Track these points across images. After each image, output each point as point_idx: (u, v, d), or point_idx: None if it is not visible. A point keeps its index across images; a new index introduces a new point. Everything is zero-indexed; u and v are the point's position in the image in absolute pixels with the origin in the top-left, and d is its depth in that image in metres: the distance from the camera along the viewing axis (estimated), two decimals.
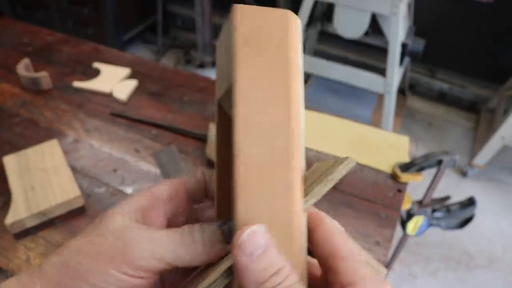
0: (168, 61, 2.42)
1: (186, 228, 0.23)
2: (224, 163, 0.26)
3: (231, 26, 0.21)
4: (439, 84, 2.17)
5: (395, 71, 1.61)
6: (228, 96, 0.22)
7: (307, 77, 2.21)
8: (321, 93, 2.11)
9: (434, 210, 0.85)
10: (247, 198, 0.20)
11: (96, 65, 0.93)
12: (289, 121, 0.20)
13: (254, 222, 0.20)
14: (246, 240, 0.20)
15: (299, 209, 0.21)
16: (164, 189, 0.26)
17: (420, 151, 1.83)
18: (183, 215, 0.27)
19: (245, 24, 0.20)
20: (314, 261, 0.24)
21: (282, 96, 0.20)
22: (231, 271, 0.22)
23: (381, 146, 0.77)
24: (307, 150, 0.76)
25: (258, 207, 0.20)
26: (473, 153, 1.84)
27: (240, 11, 0.20)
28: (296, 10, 1.76)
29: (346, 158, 0.22)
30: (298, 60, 0.21)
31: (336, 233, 0.22)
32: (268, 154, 0.20)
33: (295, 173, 0.20)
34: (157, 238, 0.22)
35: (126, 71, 0.91)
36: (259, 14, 0.20)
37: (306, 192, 0.21)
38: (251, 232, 0.20)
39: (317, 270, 0.24)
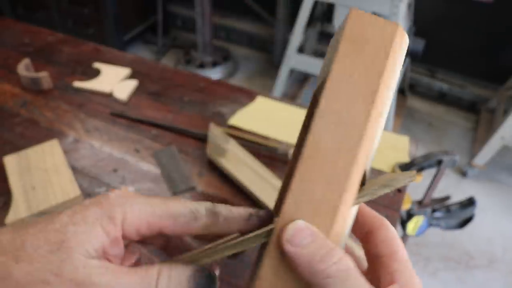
0: (168, 61, 2.42)
1: (151, 272, 0.21)
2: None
3: (342, 25, 0.23)
4: (439, 84, 2.17)
5: None
6: (322, 87, 0.23)
7: (307, 77, 2.21)
8: None
9: (434, 210, 0.85)
10: (305, 174, 0.21)
11: (97, 65, 0.93)
12: (367, 120, 0.21)
13: (304, 198, 0.21)
14: (292, 235, 0.21)
15: (349, 199, 0.22)
16: (141, 225, 0.22)
17: (420, 151, 1.83)
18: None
19: (356, 26, 0.22)
20: (362, 255, 0.26)
21: (368, 97, 0.21)
22: (269, 233, 0.23)
23: (381, 146, 0.78)
24: None
25: (313, 185, 0.21)
26: (473, 153, 1.84)
27: (355, 14, 0.22)
28: (296, 10, 1.76)
29: (411, 171, 0.23)
30: (393, 71, 0.22)
31: (396, 238, 0.24)
32: (338, 143, 0.21)
33: (357, 167, 0.21)
34: (121, 284, 0.20)
35: (126, 71, 0.91)
36: (371, 20, 0.22)
37: (364, 191, 0.23)
38: (295, 228, 0.21)
39: (363, 264, 0.26)
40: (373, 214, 0.25)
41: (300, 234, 0.21)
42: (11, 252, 0.19)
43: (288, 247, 0.21)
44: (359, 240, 0.26)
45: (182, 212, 0.23)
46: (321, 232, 0.21)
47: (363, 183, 0.23)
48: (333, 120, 0.21)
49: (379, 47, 0.22)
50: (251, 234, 0.23)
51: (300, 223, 0.21)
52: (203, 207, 0.24)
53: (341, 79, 0.21)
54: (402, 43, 0.22)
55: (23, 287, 0.19)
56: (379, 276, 0.23)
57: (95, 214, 0.21)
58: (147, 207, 0.22)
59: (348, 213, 0.22)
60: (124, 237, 0.22)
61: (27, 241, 0.20)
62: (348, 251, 0.26)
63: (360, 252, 0.27)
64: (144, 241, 0.26)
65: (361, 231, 0.25)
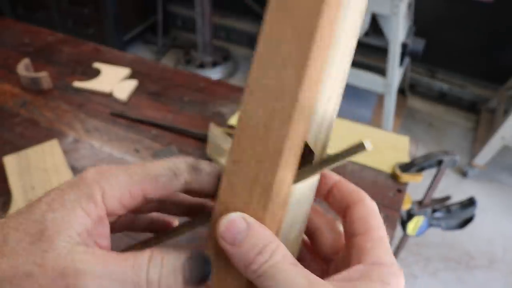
0: (168, 61, 2.42)
1: (141, 259, 0.20)
2: None
3: None
4: (439, 84, 2.17)
5: (395, 71, 1.61)
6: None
7: None
8: None
9: (434, 210, 0.85)
10: (237, 155, 0.21)
11: (96, 65, 0.93)
12: (298, 89, 0.19)
13: (238, 180, 0.21)
14: (226, 230, 0.20)
15: (285, 177, 0.21)
16: (117, 203, 0.21)
17: (420, 151, 1.83)
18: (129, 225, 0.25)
19: None
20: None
21: (299, 62, 0.19)
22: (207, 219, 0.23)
23: (381, 146, 0.77)
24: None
25: (245, 166, 0.20)
26: (473, 153, 1.84)
27: None
28: None
29: (365, 141, 0.21)
30: (328, 32, 0.19)
31: (373, 216, 0.23)
32: (268, 118, 0.20)
33: (290, 141, 0.20)
34: (109, 271, 0.19)
35: (126, 71, 0.91)
36: None
37: (310, 166, 0.22)
38: (229, 222, 0.20)
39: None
40: (351, 188, 0.24)
41: (234, 228, 0.20)
42: None
43: (223, 245, 0.20)
44: (339, 217, 0.25)
45: (161, 172, 0.22)
46: (257, 216, 0.20)
47: (309, 159, 0.22)
48: (263, 94, 0.20)
49: (309, 7, 0.18)
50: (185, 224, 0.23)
51: (233, 216, 0.20)
52: (183, 163, 0.23)
53: (269, 49, 0.19)
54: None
55: (9, 281, 0.18)
56: (350, 256, 0.22)
57: (73, 196, 0.20)
58: (125, 176, 0.21)
59: (287, 191, 0.21)
60: (109, 213, 0.21)
61: (8, 235, 0.19)
62: (331, 226, 0.25)
63: (341, 227, 0.26)
64: (134, 212, 0.25)
65: (340, 207, 0.24)
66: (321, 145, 0.23)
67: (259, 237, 0.20)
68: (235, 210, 0.21)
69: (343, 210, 0.24)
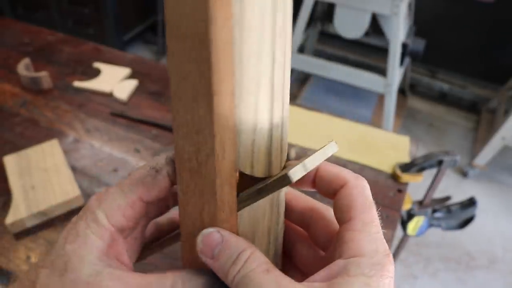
0: None
1: (164, 284, 0.21)
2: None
3: None
4: (440, 84, 2.17)
5: (396, 71, 1.61)
6: None
7: (307, 77, 2.21)
8: (321, 93, 2.11)
9: (434, 211, 0.85)
10: (184, 188, 0.21)
11: (97, 65, 0.93)
12: (211, 119, 0.18)
13: (191, 210, 0.22)
14: (202, 245, 0.21)
15: (225, 207, 0.21)
16: (120, 218, 0.23)
17: (421, 152, 1.83)
18: (142, 239, 0.26)
19: (172, 14, 0.18)
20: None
21: (205, 95, 0.18)
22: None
23: (382, 146, 0.77)
24: (308, 150, 0.76)
25: (193, 198, 0.21)
26: (473, 154, 1.84)
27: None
28: (296, 10, 1.76)
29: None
30: (227, 55, 0.18)
31: (358, 199, 0.21)
32: (196, 153, 0.20)
33: (220, 173, 0.20)
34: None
35: (126, 71, 0.91)
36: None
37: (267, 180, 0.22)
38: (204, 236, 0.21)
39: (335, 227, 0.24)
40: (334, 172, 0.23)
41: (210, 242, 0.21)
42: (28, 286, 0.21)
43: (204, 259, 0.21)
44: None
45: (144, 173, 0.23)
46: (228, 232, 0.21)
47: (248, 184, 0.22)
48: (186, 130, 0.20)
49: (197, 30, 0.17)
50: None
51: (208, 230, 0.21)
52: (162, 158, 0.24)
53: (179, 84, 0.19)
54: (226, 5, 0.17)
55: None
56: (334, 249, 0.21)
57: (83, 226, 0.22)
58: (118, 192, 0.23)
59: (232, 218, 0.22)
60: (120, 229, 0.23)
61: (40, 273, 0.21)
62: (318, 215, 0.25)
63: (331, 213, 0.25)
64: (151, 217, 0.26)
65: (328, 193, 0.23)
66: (262, 164, 0.22)
67: (233, 247, 0.21)
68: (194, 235, 0.22)
69: (332, 195, 0.23)
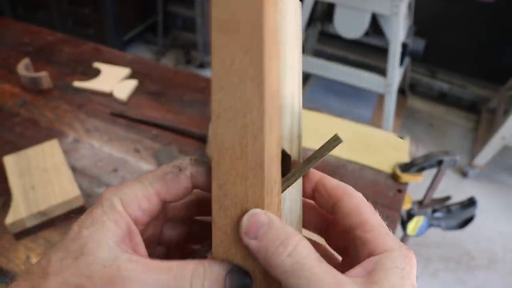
0: (168, 61, 2.42)
1: (184, 269, 0.20)
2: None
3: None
4: (439, 84, 2.17)
5: (396, 71, 1.61)
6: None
7: (307, 76, 2.21)
8: (321, 93, 2.11)
9: (434, 211, 0.85)
10: (220, 178, 0.21)
11: (97, 65, 0.93)
12: (262, 104, 0.20)
13: (230, 203, 0.21)
14: (248, 225, 0.20)
15: (272, 188, 0.21)
16: (137, 209, 0.22)
17: (421, 151, 1.83)
18: (158, 235, 0.25)
19: (220, 11, 0.20)
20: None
21: (256, 80, 0.20)
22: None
23: (381, 146, 0.77)
24: (307, 150, 0.75)
25: (234, 188, 0.21)
26: (473, 154, 1.84)
27: None
28: None
29: (337, 135, 0.22)
30: (274, 40, 0.20)
31: (364, 205, 0.23)
32: (241, 136, 0.20)
33: (267, 152, 0.20)
34: (153, 279, 0.19)
35: (126, 71, 0.91)
36: None
37: (292, 172, 0.23)
38: (250, 216, 0.21)
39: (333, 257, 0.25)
40: (335, 184, 0.24)
41: (256, 222, 0.20)
42: (37, 273, 0.20)
43: (246, 241, 0.20)
44: (329, 214, 0.25)
45: (167, 170, 0.23)
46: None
47: (287, 164, 0.23)
48: (230, 114, 0.20)
49: (250, 23, 0.19)
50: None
51: (255, 211, 0.21)
52: (187, 159, 0.24)
53: (223, 71, 0.20)
54: (272, 5, 0.20)
55: None
56: (357, 249, 0.22)
57: (99, 212, 0.21)
58: (137, 184, 0.22)
59: (277, 201, 0.22)
60: (135, 221, 0.22)
61: (51, 259, 0.20)
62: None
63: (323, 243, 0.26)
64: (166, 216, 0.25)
65: (327, 203, 0.24)
66: (296, 147, 0.24)
67: (280, 229, 0.20)
68: (232, 233, 0.21)
69: (331, 206, 0.24)
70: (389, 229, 0.22)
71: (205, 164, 0.24)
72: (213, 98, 0.21)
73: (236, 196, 0.21)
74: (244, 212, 0.21)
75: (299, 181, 0.24)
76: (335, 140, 0.22)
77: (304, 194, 0.25)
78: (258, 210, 0.21)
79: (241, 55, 0.20)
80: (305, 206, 0.26)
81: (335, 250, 0.26)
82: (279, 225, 0.20)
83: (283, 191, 0.23)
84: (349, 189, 0.24)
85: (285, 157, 0.23)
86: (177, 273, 0.20)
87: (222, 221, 0.22)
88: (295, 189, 0.24)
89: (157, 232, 0.25)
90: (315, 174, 0.25)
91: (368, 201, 0.24)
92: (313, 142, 0.78)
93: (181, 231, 0.27)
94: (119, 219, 0.21)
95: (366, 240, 0.21)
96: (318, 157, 0.22)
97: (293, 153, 0.23)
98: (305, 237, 0.26)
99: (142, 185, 0.22)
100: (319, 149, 0.22)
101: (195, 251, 0.27)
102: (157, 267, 0.20)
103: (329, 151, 0.22)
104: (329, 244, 0.26)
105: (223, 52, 0.20)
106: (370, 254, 0.21)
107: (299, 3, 0.24)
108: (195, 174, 0.23)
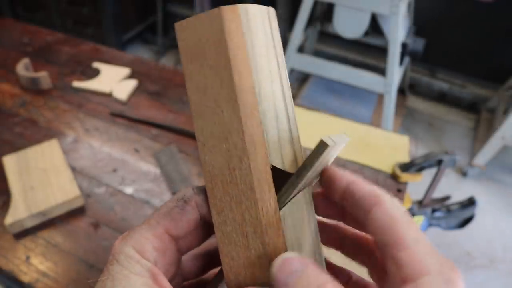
0: (168, 61, 2.42)
1: None
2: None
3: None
4: (439, 84, 2.17)
5: (395, 71, 1.61)
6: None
7: (307, 76, 2.21)
8: (321, 93, 2.11)
9: (434, 210, 0.85)
10: (219, 207, 0.21)
11: (96, 65, 0.93)
12: (239, 121, 0.20)
13: (230, 229, 0.21)
14: (279, 270, 0.19)
15: (268, 207, 0.21)
16: (152, 250, 0.21)
17: (420, 151, 1.83)
18: (176, 275, 0.24)
19: (186, 41, 0.20)
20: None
21: (228, 99, 0.20)
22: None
23: (381, 146, 0.77)
24: (307, 150, 0.75)
25: (231, 213, 0.21)
26: (473, 153, 1.84)
27: (179, 29, 0.21)
28: (296, 10, 1.76)
29: (322, 140, 0.20)
30: (241, 57, 0.20)
31: (398, 216, 0.19)
32: (228, 160, 0.20)
33: (255, 172, 0.20)
34: None
35: (126, 71, 0.91)
36: (195, 25, 0.20)
37: (291, 186, 0.22)
38: (283, 261, 0.19)
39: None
40: (366, 191, 0.21)
41: (288, 268, 0.19)
42: None
43: (274, 285, 0.19)
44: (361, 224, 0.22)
45: (172, 205, 0.22)
46: (260, 253, 0.20)
47: (283, 178, 0.22)
48: (213, 141, 0.21)
49: (214, 44, 0.19)
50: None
51: (286, 255, 0.20)
52: (190, 189, 0.23)
53: (198, 98, 0.20)
54: (234, 21, 0.20)
55: None
56: (391, 272, 0.19)
57: (117, 269, 0.20)
58: (145, 227, 0.22)
59: (275, 219, 0.21)
60: (155, 263, 0.21)
61: None
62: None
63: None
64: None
65: (358, 214, 0.21)
66: (289, 157, 0.22)
67: (312, 277, 0.18)
68: (239, 257, 0.21)
69: (363, 216, 0.21)
70: (428, 244, 0.19)
71: None
72: (195, 127, 0.21)
73: (235, 221, 0.21)
74: (245, 235, 0.21)
75: (305, 194, 0.23)
76: (321, 147, 0.20)
77: (331, 209, 0.23)
78: (291, 255, 0.20)
79: (212, 78, 0.20)
80: (326, 226, 0.24)
81: (375, 274, 0.24)
82: (311, 271, 0.19)
83: (281, 208, 0.22)
84: (381, 197, 0.20)
85: (277, 172, 0.22)
86: None
87: (227, 248, 0.21)
88: (298, 204, 0.23)
89: (174, 268, 0.25)
90: (341, 180, 0.22)
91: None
92: (312, 142, 0.78)
93: (201, 263, 0.27)
94: (140, 269, 0.20)
95: (400, 261, 0.18)
96: (308, 167, 0.21)
97: (286, 163, 0.22)
98: (337, 266, 0.24)
99: (149, 226, 0.22)
100: (308, 158, 0.21)
101: (208, 283, 0.26)
102: None
103: (319, 159, 0.20)
104: (367, 266, 0.24)
105: (195, 79, 0.20)
106: (404, 280, 0.18)
107: (271, 9, 0.23)
108: (200, 203, 0.23)
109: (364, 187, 0.21)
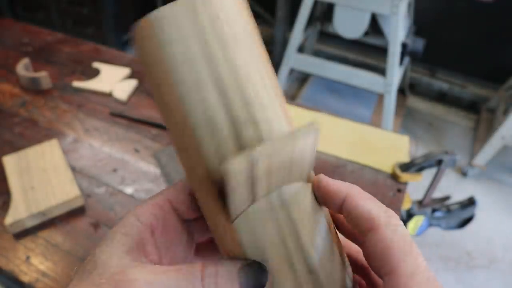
0: None
1: (195, 268, 0.19)
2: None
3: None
4: (439, 84, 2.17)
5: (395, 71, 1.61)
6: None
7: (307, 76, 2.21)
8: (321, 93, 2.11)
9: (434, 210, 0.85)
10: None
11: (96, 65, 0.93)
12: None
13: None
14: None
15: (218, 222, 0.21)
16: (149, 215, 0.22)
17: (420, 151, 1.83)
18: (175, 240, 0.24)
19: (139, 50, 0.23)
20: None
21: (164, 119, 0.22)
22: None
23: (381, 146, 0.77)
24: None
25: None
26: (473, 153, 1.84)
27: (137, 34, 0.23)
28: (295, 10, 1.76)
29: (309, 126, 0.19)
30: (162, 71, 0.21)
31: (394, 245, 0.18)
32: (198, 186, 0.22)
33: (196, 184, 0.22)
34: (162, 281, 0.19)
35: (126, 71, 0.91)
36: (143, 34, 0.22)
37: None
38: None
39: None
40: (361, 212, 0.20)
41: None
42: None
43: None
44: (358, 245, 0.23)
45: (177, 180, 0.24)
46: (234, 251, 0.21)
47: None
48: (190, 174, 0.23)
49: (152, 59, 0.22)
50: None
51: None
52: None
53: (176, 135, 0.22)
54: (156, 27, 0.21)
55: None
56: None
57: (111, 230, 0.22)
58: (150, 198, 0.23)
59: (229, 231, 0.21)
60: (149, 227, 0.22)
61: (73, 278, 0.21)
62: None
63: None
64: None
65: (355, 232, 0.21)
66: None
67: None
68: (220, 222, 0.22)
69: (359, 236, 0.21)
70: (430, 270, 0.18)
71: None
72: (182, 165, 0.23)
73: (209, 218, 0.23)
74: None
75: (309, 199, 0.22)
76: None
77: (332, 207, 0.21)
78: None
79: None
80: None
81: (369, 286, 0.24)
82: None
83: (233, 221, 0.20)
84: (377, 221, 0.19)
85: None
86: (187, 272, 0.19)
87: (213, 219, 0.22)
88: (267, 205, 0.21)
89: (187, 250, 0.25)
90: (338, 193, 0.21)
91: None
92: None
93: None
94: (129, 230, 0.21)
95: None
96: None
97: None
98: None
99: (153, 196, 0.23)
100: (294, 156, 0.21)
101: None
102: (166, 269, 0.19)
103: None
104: (360, 277, 0.24)
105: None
106: None
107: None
108: None
109: (359, 207, 0.20)
